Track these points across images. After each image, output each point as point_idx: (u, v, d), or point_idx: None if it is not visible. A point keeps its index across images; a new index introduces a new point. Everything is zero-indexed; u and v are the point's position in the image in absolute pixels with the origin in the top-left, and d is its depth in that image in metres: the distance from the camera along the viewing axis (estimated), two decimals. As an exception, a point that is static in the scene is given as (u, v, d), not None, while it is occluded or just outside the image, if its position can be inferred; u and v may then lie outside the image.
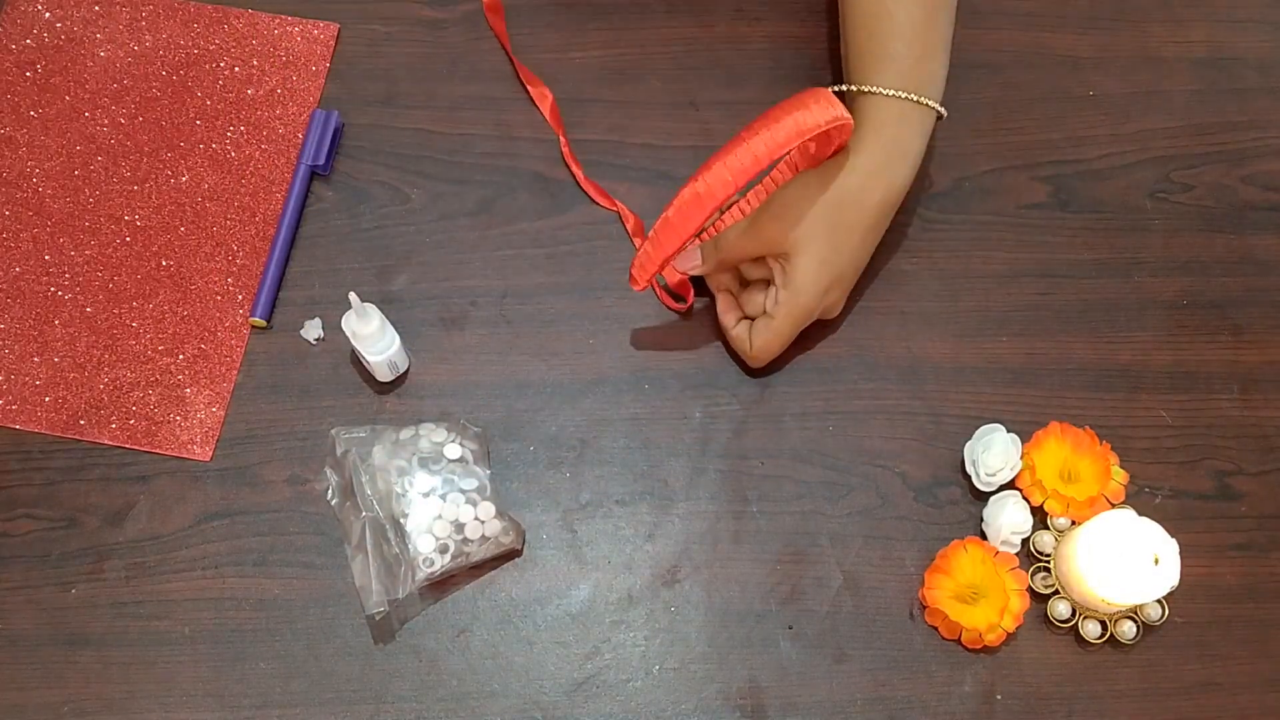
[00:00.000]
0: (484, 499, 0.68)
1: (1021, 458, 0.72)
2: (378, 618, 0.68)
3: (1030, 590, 0.70)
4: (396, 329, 0.72)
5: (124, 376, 0.74)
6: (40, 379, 0.73)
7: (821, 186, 0.70)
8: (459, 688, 0.69)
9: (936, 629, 0.70)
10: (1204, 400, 0.76)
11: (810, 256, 0.70)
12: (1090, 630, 0.70)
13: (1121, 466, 0.73)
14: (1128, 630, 0.70)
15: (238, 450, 0.73)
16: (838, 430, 0.74)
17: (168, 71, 0.81)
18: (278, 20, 0.83)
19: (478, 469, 0.69)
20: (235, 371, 0.74)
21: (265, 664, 0.68)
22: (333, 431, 0.71)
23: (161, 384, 0.74)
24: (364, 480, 0.68)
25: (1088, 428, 0.73)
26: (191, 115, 0.80)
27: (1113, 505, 0.72)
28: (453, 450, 0.69)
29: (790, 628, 0.70)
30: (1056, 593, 0.70)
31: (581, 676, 0.69)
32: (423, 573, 0.67)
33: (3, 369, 0.73)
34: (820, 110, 0.65)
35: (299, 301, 0.76)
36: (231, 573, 0.70)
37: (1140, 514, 0.68)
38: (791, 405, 0.75)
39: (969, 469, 0.72)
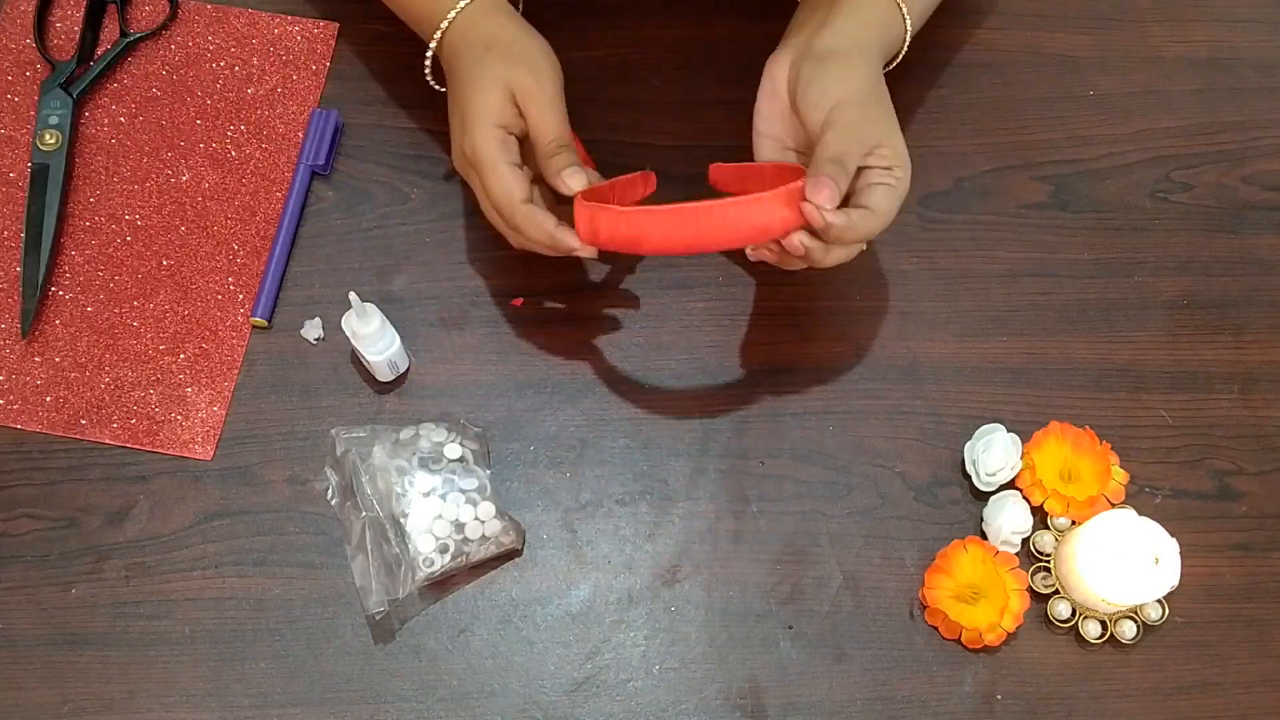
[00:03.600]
0: (484, 499, 0.68)
1: (1021, 457, 0.72)
2: (378, 618, 0.68)
3: (1030, 590, 0.70)
4: (396, 329, 0.72)
5: (125, 376, 0.74)
6: (41, 379, 0.73)
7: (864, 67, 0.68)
8: (459, 687, 0.69)
9: (936, 629, 0.70)
10: (1204, 400, 0.76)
11: (895, 131, 0.67)
12: (1090, 630, 0.70)
13: (1122, 466, 0.73)
14: (1128, 630, 0.70)
15: (238, 450, 0.73)
16: (838, 430, 0.74)
17: (168, 71, 0.81)
18: (277, 19, 0.83)
19: (478, 469, 0.69)
20: (236, 371, 0.74)
21: (265, 664, 0.69)
22: (333, 431, 0.71)
23: (162, 383, 0.74)
24: (364, 480, 0.68)
25: (1088, 427, 0.73)
26: (191, 115, 0.80)
27: (1113, 505, 0.72)
28: (453, 450, 0.69)
29: (790, 627, 0.70)
30: (1056, 592, 0.70)
31: (582, 676, 0.69)
32: (423, 572, 0.67)
33: (3, 369, 0.73)
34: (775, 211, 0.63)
35: (299, 301, 0.76)
36: (231, 573, 0.70)
37: (1140, 514, 0.68)
38: (791, 405, 0.75)
39: (969, 469, 0.72)
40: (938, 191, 0.81)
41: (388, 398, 0.74)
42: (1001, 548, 0.70)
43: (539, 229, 0.66)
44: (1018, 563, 0.70)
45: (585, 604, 0.71)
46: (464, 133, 0.67)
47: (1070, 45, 0.85)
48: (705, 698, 0.69)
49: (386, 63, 0.83)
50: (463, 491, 0.68)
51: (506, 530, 0.69)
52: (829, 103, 0.66)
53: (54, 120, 0.78)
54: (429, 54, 0.72)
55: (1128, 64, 0.85)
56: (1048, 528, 0.72)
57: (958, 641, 0.70)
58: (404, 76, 0.82)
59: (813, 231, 0.64)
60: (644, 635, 0.70)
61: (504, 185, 0.66)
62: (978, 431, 0.73)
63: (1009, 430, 0.73)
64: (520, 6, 0.75)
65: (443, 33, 0.70)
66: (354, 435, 0.71)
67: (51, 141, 0.77)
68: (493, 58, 0.68)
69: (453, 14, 0.70)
